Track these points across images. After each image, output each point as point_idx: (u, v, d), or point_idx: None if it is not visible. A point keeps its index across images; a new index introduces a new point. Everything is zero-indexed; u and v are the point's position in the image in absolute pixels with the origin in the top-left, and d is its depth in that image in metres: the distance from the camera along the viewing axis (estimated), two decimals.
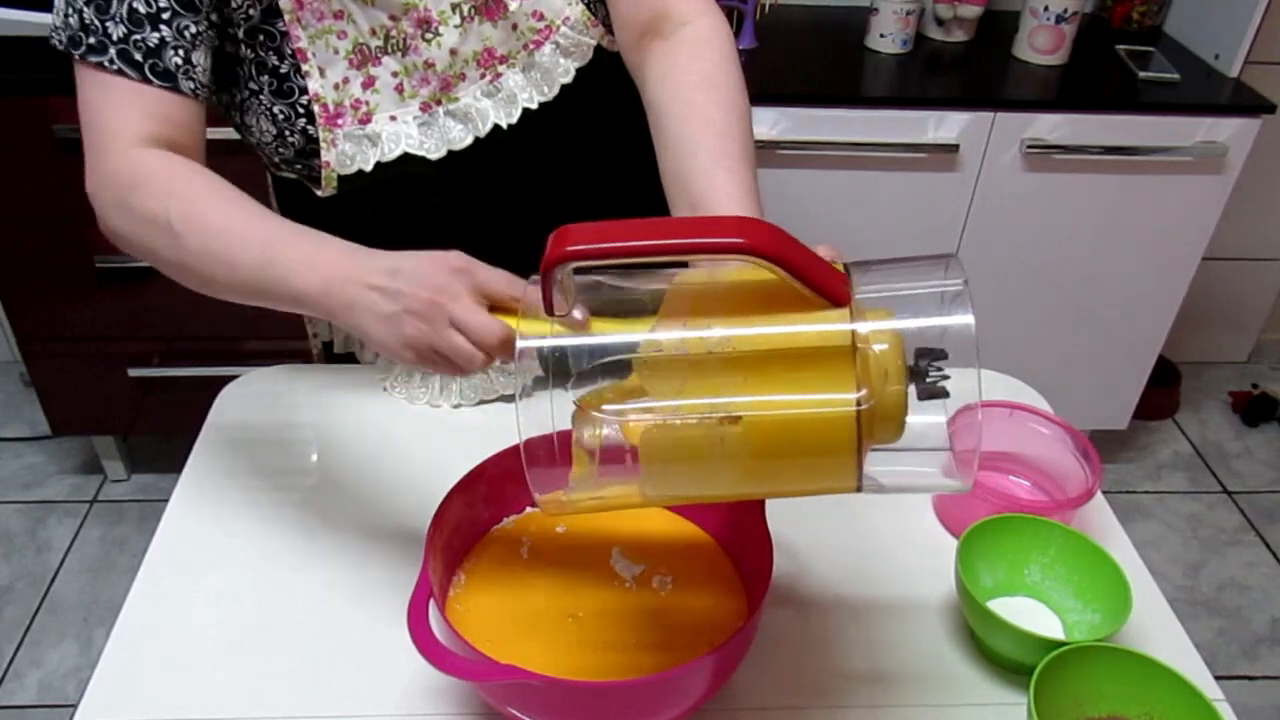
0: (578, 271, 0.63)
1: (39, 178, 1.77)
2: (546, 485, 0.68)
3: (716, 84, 0.86)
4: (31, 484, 2.27)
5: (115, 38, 0.81)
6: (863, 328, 0.59)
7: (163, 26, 0.82)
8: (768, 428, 0.60)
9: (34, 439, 2.36)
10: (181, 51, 0.83)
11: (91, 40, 0.81)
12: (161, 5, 0.81)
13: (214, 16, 0.85)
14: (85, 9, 0.81)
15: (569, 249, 0.59)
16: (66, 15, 0.82)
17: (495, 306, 0.70)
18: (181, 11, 0.82)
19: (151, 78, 0.82)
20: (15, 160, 1.76)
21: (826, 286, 0.59)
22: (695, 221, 0.60)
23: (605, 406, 0.64)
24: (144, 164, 0.81)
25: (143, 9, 0.81)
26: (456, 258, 0.70)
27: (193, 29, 0.83)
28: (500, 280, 0.70)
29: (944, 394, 0.60)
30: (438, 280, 0.68)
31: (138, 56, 0.81)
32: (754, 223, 0.59)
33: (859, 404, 0.56)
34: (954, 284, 0.61)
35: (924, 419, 0.61)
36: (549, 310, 0.63)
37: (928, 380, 0.59)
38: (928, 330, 0.61)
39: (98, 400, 2.07)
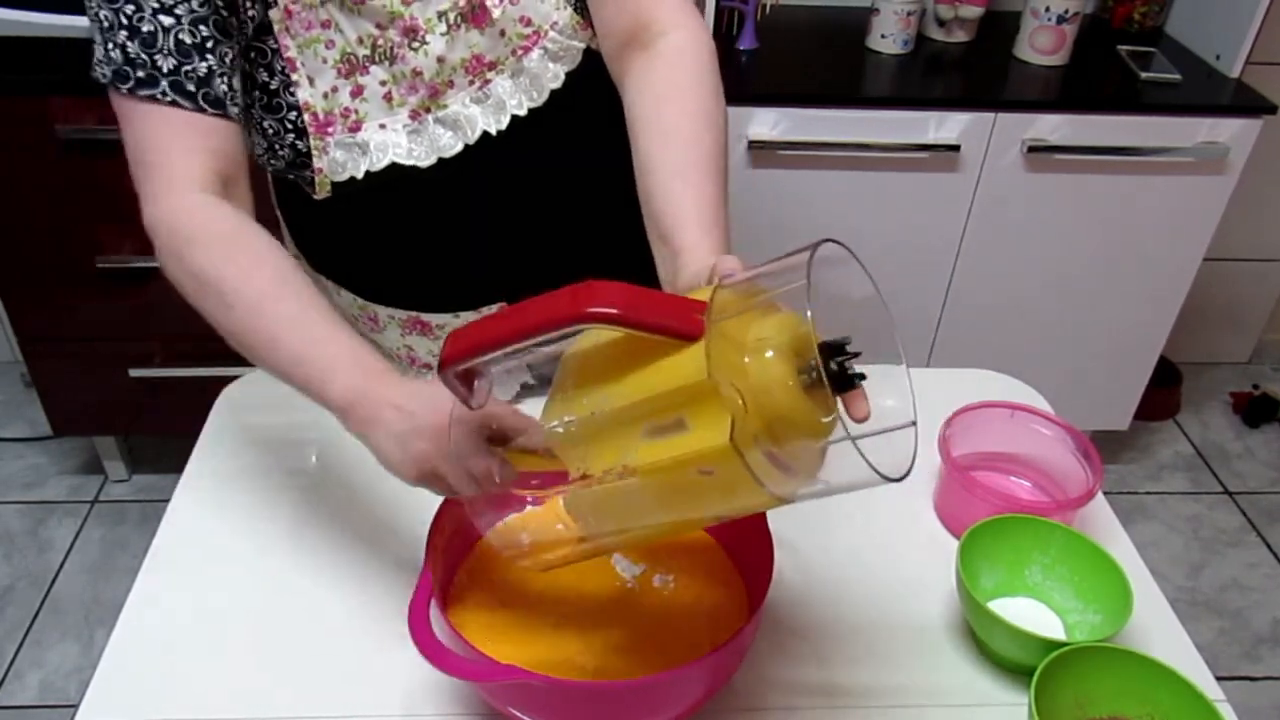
0: None
1: (40, 178, 1.77)
2: (508, 545, 0.74)
3: (686, 94, 0.86)
4: (33, 484, 2.27)
5: (166, 70, 0.81)
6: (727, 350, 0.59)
7: (209, 55, 0.82)
8: (662, 473, 0.60)
9: (35, 439, 2.36)
10: (226, 78, 0.83)
11: (140, 74, 0.80)
12: (205, 34, 0.82)
13: (240, 39, 0.86)
14: (129, 44, 0.80)
15: (444, 357, 0.65)
16: (108, 49, 0.81)
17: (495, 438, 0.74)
18: (221, 39, 0.83)
19: (205, 106, 0.82)
20: (16, 160, 1.76)
21: (676, 326, 0.60)
22: (542, 302, 0.62)
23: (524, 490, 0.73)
24: (201, 217, 0.82)
25: (189, 40, 0.81)
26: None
27: (230, 54, 0.84)
28: (508, 413, 0.73)
29: (855, 382, 0.59)
30: (448, 408, 0.71)
31: (190, 87, 0.81)
32: (598, 289, 0.61)
33: (730, 432, 0.56)
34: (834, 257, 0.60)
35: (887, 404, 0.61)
36: (465, 404, 0.68)
37: (833, 372, 0.58)
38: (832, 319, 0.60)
39: (99, 400, 2.07)
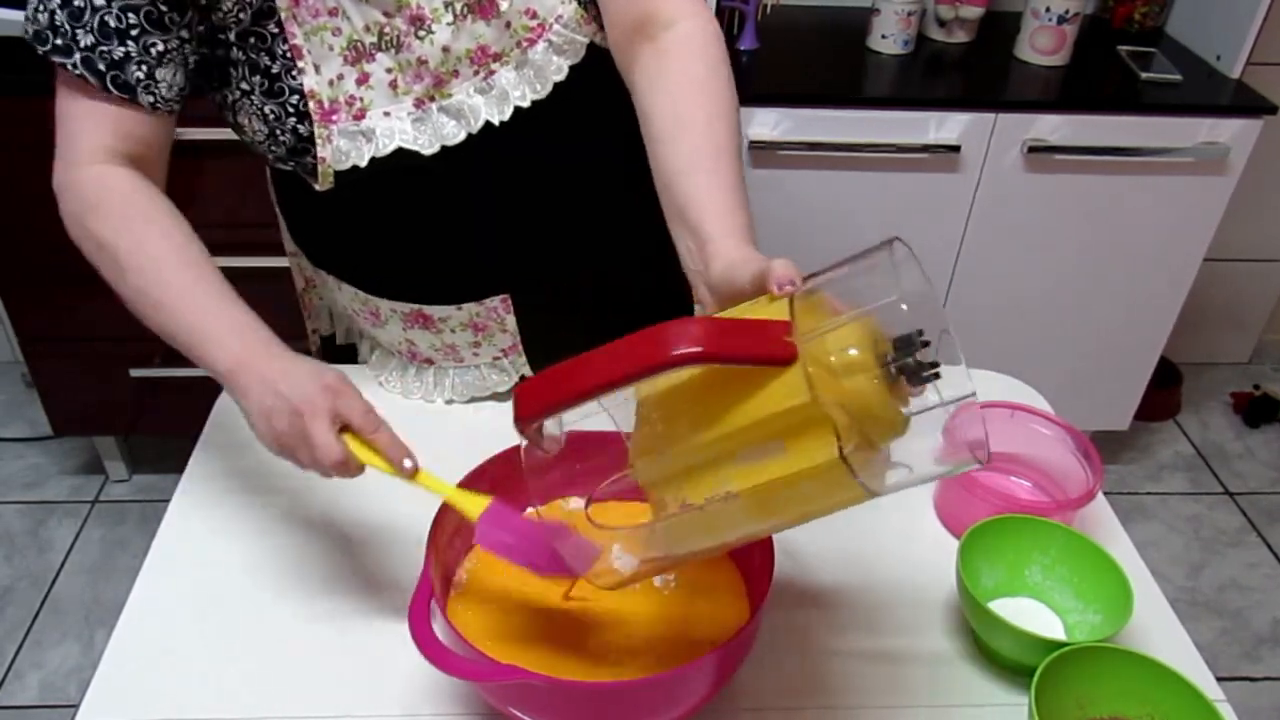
0: None
1: (40, 178, 1.77)
2: (583, 564, 0.75)
3: (699, 84, 0.86)
4: (33, 484, 2.27)
5: (83, 45, 0.83)
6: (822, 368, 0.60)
7: (129, 42, 0.84)
8: (767, 494, 0.61)
9: (35, 439, 2.36)
10: (145, 67, 0.85)
11: (58, 41, 0.83)
12: (131, 22, 0.83)
13: (190, 33, 0.87)
14: (58, 12, 0.83)
15: (522, 412, 0.66)
16: (37, 10, 0.84)
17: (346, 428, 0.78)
18: (150, 29, 0.84)
19: (112, 89, 0.85)
20: (16, 160, 1.76)
21: (768, 353, 0.60)
22: (623, 347, 0.61)
23: (613, 528, 0.75)
24: (106, 184, 0.87)
25: (113, 24, 0.83)
26: (334, 378, 0.78)
27: (160, 46, 0.85)
28: (358, 411, 0.78)
29: (933, 376, 0.59)
30: (309, 393, 0.76)
31: (100, 66, 0.84)
32: (681, 329, 0.60)
33: (840, 449, 0.56)
34: (904, 263, 0.62)
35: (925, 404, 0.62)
36: (542, 452, 0.72)
37: (912, 366, 0.59)
38: (899, 317, 0.60)
39: (99, 401, 2.07)
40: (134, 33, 0.84)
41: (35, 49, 0.84)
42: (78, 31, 0.83)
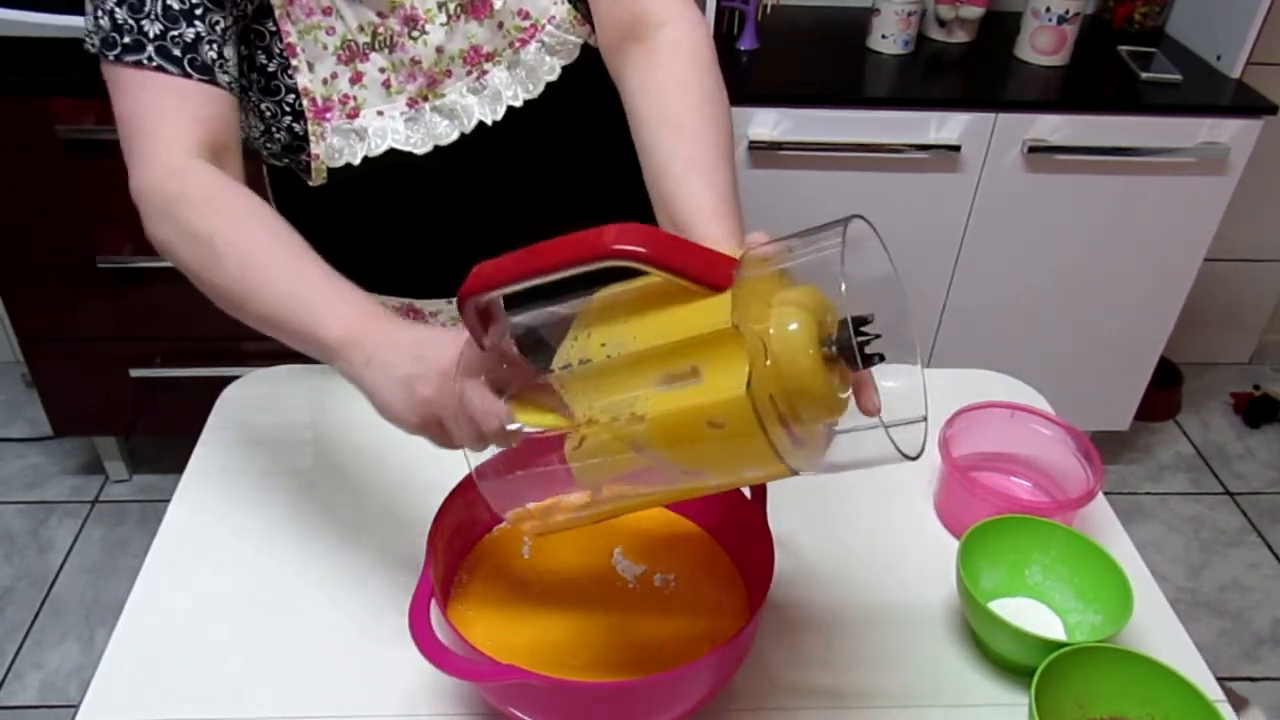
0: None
1: (41, 178, 1.77)
2: (507, 504, 0.71)
3: (689, 87, 0.85)
4: (33, 484, 2.27)
5: (152, 35, 0.81)
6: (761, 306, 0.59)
7: (197, 22, 0.82)
8: (672, 422, 0.60)
9: (36, 439, 2.36)
10: (215, 46, 0.83)
11: (127, 40, 0.81)
12: (194, 1, 0.82)
13: (237, 11, 0.86)
14: (117, 10, 0.81)
15: (465, 288, 0.65)
16: (97, 18, 0.82)
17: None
18: (211, 7, 0.83)
19: (191, 72, 0.82)
20: (18, 160, 1.76)
21: (707, 276, 0.60)
22: (574, 236, 0.61)
23: (526, 427, 0.67)
24: (192, 177, 0.81)
25: (177, 5, 0.82)
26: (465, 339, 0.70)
27: (223, 24, 0.84)
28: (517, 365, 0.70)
29: (877, 359, 0.59)
30: (455, 355, 0.69)
31: (176, 52, 0.82)
32: (627, 229, 0.60)
33: (749, 383, 0.55)
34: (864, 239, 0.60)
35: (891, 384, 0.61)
36: (478, 341, 0.67)
37: (847, 345, 0.58)
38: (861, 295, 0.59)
39: (99, 401, 2.07)
40: (199, 12, 0.82)
41: (106, 57, 0.82)
42: (143, 23, 0.81)
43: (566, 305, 0.68)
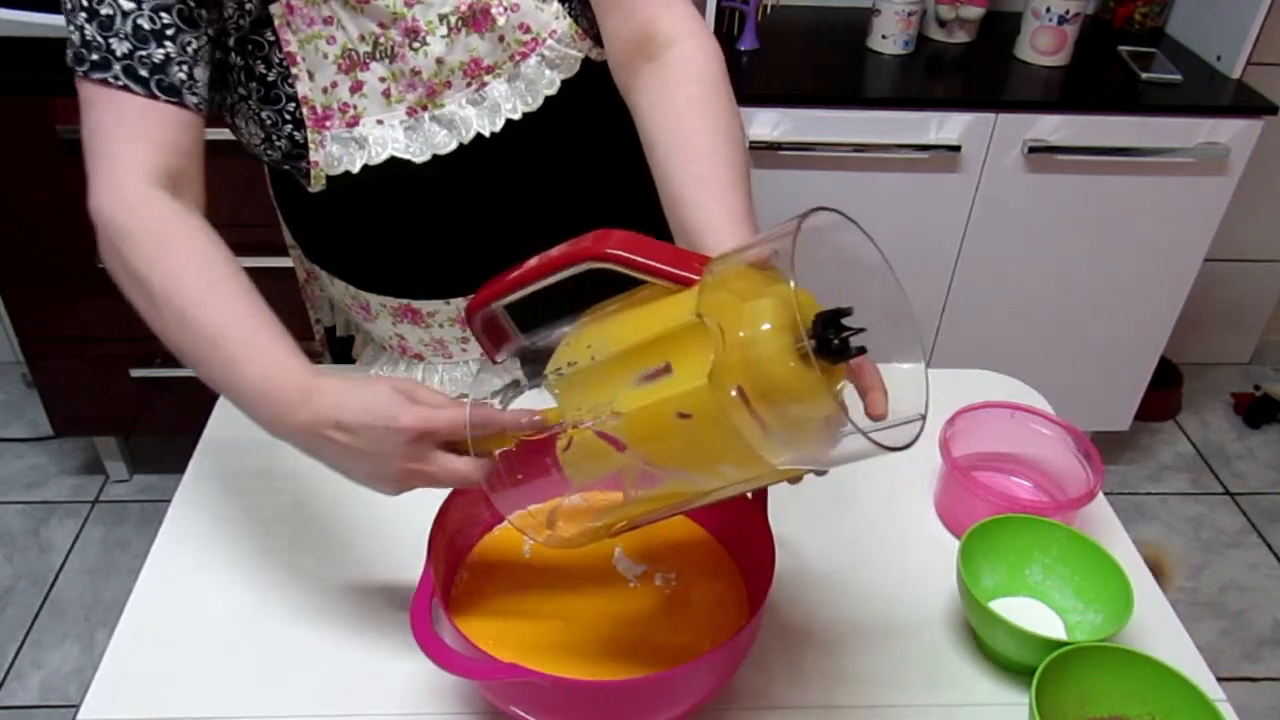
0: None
1: (41, 178, 1.77)
2: (513, 507, 0.74)
3: (702, 107, 0.85)
4: (33, 484, 2.27)
5: (120, 54, 0.81)
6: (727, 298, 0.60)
7: (167, 43, 0.82)
8: (644, 416, 0.61)
9: (36, 439, 2.36)
10: (185, 67, 0.83)
11: (95, 57, 0.80)
12: (165, 22, 0.82)
13: (212, 29, 0.86)
14: (87, 26, 0.80)
15: (472, 303, 0.73)
16: (69, 31, 0.82)
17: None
18: (184, 28, 0.83)
19: (158, 93, 0.82)
20: (17, 160, 1.76)
21: (677, 271, 0.64)
22: (561, 246, 0.68)
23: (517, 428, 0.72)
24: (143, 212, 0.80)
25: (148, 25, 0.81)
26: (410, 419, 0.69)
27: (194, 44, 0.84)
28: (457, 426, 0.70)
29: (854, 353, 0.58)
30: (399, 446, 0.70)
31: (143, 72, 0.81)
32: (604, 234, 0.66)
33: (710, 372, 0.56)
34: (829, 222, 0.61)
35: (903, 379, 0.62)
36: (490, 357, 0.74)
37: (831, 342, 0.57)
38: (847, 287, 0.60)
39: (100, 401, 2.07)
40: (170, 33, 0.82)
41: (76, 72, 0.81)
42: (111, 41, 0.80)
43: (571, 323, 0.71)
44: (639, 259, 0.64)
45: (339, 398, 0.72)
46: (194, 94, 0.84)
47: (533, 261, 0.69)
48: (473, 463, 0.71)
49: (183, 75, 0.83)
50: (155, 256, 0.79)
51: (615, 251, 0.64)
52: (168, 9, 0.81)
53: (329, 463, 0.74)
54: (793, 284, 0.56)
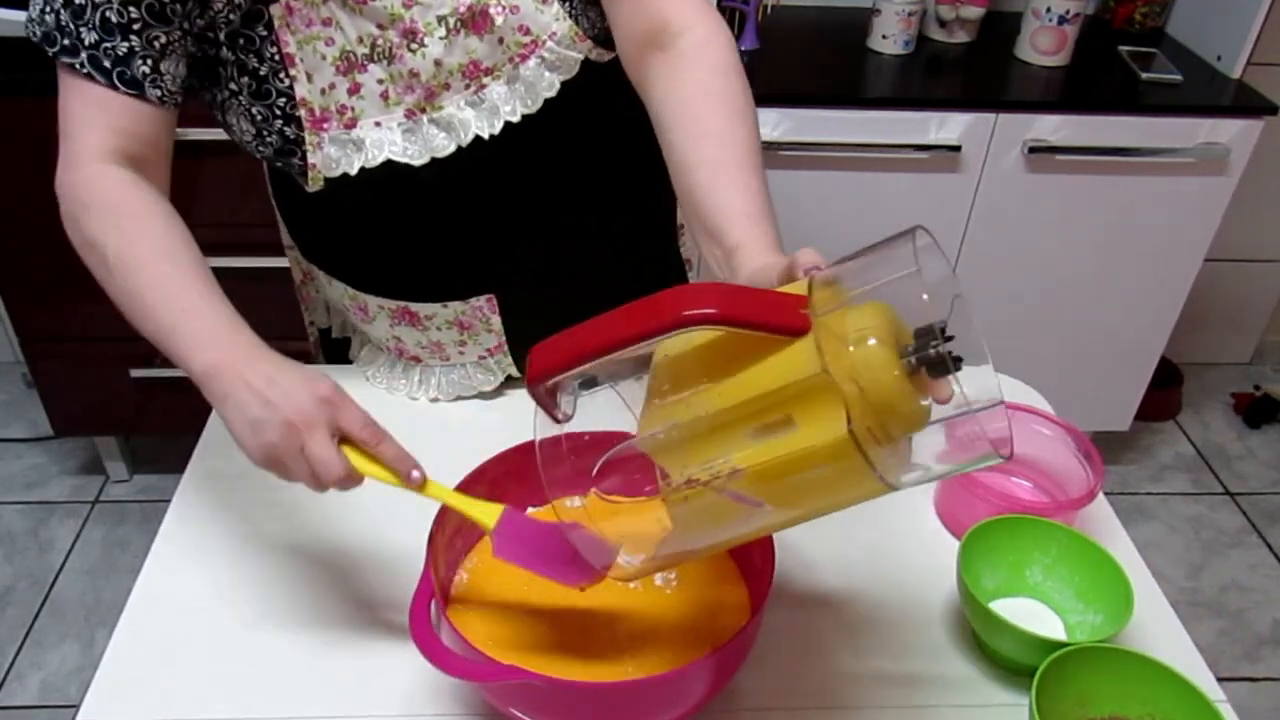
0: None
1: (40, 178, 1.77)
2: (600, 558, 0.73)
3: (714, 92, 0.85)
4: (34, 484, 2.27)
5: (87, 43, 0.83)
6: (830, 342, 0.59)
7: (132, 36, 0.83)
8: (773, 469, 0.60)
9: (36, 439, 2.36)
10: (150, 61, 0.85)
11: (65, 42, 0.83)
12: (133, 15, 0.83)
13: (190, 24, 0.86)
14: (62, 11, 0.83)
15: (534, 371, 0.65)
16: (44, 12, 0.83)
17: (347, 440, 0.75)
18: (152, 23, 0.84)
19: (119, 85, 0.84)
20: (17, 160, 1.76)
21: (782, 323, 0.60)
22: (636, 308, 0.61)
23: (617, 496, 0.72)
24: (102, 185, 0.85)
25: (115, 18, 0.83)
26: (328, 388, 0.75)
27: (163, 39, 0.85)
28: (358, 423, 0.75)
29: (954, 366, 0.58)
30: (304, 405, 0.73)
31: (106, 64, 0.83)
32: (688, 291, 0.60)
33: (849, 423, 0.56)
34: (927, 248, 0.60)
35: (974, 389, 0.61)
36: (552, 418, 0.69)
37: (931, 357, 0.58)
38: (924, 309, 0.59)
39: (100, 401, 2.07)
40: (136, 27, 0.83)
41: (45, 51, 0.84)
42: (81, 30, 0.82)
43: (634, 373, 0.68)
44: (737, 317, 0.59)
45: (275, 358, 0.77)
46: (157, 87, 0.86)
47: (600, 328, 0.62)
48: (342, 462, 0.74)
49: (146, 69, 0.85)
50: (111, 224, 0.83)
51: (709, 312, 0.59)
52: (135, 3, 0.83)
53: (229, 402, 0.75)
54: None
